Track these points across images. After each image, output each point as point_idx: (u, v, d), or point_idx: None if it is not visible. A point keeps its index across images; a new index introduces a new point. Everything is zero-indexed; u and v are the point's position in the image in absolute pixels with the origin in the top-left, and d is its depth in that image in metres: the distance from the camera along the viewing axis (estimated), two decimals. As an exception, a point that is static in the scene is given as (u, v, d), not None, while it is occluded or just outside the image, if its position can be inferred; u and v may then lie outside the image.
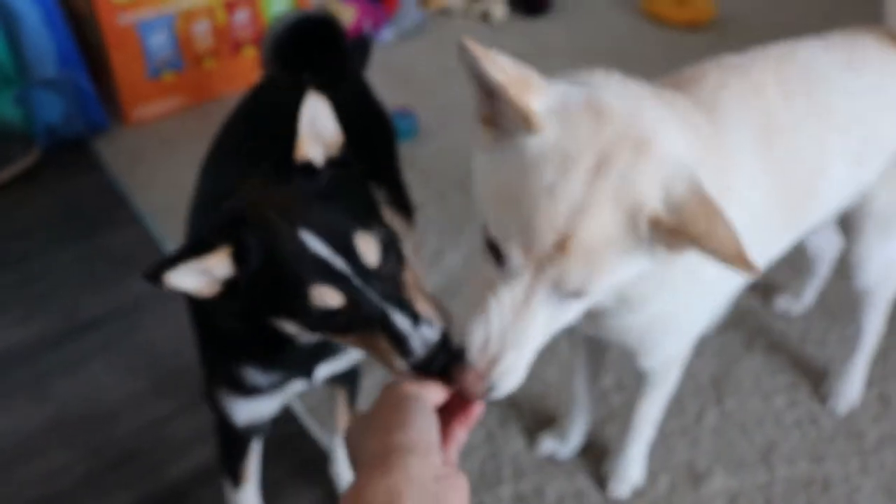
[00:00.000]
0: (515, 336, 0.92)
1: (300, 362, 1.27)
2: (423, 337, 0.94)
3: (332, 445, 1.72)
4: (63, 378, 2.01)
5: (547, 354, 1.98)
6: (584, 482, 1.75)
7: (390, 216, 1.62)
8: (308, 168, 1.00)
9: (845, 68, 1.34)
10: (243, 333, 1.18)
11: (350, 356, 1.35)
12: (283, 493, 1.71)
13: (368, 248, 0.95)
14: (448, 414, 0.89)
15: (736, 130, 1.18)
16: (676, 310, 1.25)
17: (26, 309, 2.19)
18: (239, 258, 0.95)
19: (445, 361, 0.93)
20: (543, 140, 0.90)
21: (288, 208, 0.96)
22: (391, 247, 0.99)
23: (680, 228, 0.86)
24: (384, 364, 0.98)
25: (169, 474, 1.78)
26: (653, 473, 1.75)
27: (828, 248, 2.00)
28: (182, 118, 2.93)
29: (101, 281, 2.27)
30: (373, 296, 0.94)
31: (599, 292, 0.95)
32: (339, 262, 0.93)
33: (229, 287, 0.97)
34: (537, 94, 0.92)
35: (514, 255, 0.90)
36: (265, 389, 1.28)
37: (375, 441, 0.75)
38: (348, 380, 1.55)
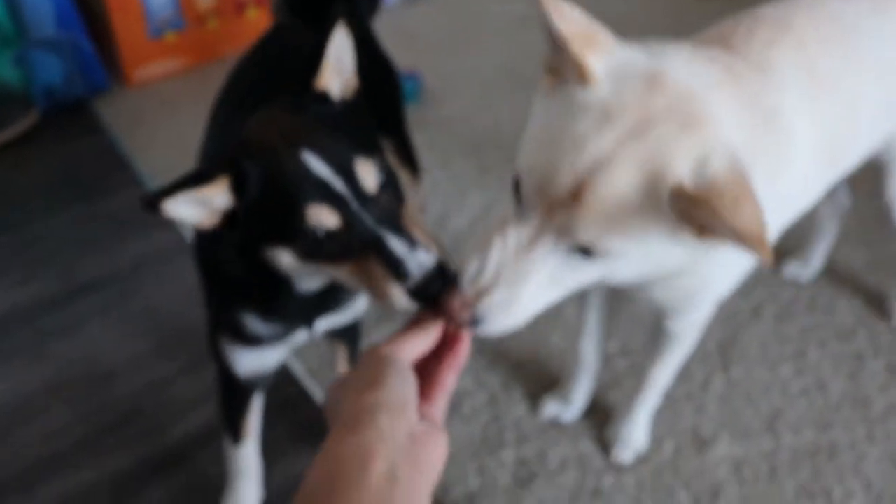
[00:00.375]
0: (512, 275, 0.92)
1: (301, 313, 1.26)
2: (418, 261, 0.93)
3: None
4: (62, 340, 1.99)
5: (552, 319, 1.98)
6: (587, 447, 1.73)
7: (395, 164, 1.61)
8: (323, 99, 1.01)
9: (872, 13, 1.34)
10: (245, 279, 1.16)
11: (351, 310, 1.34)
12: (284, 456, 1.69)
13: (368, 175, 0.96)
14: (437, 363, 0.88)
15: (788, 91, 1.17)
16: (714, 277, 1.25)
17: (25, 271, 2.18)
18: (238, 188, 0.95)
19: (440, 288, 0.92)
20: (592, 94, 0.90)
21: (294, 130, 0.96)
22: (390, 180, 0.99)
23: (702, 199, 0.83)
24: (380, 297, 0.97)
25: (168, 436, 1.77)
26: (657, 439, 1.74)
27: (836, 207, 1.99)
28: (184, 79, 2.90)
29: (100, 243, 2.26)
30: (368, 219, 0.94)
31: (612, 259, 0.92)
32: (338, 184, 0.93)
33: (229, 218, 0.97)
34: (600, 51, 0.92)
35: (530, 192, 0.91)
36: (266, 339, 1.27)
37: (348, 402, 0.74)
38: (349, 336, 1.53)
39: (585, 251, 0.90)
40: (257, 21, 2.93)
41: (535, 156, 0.93)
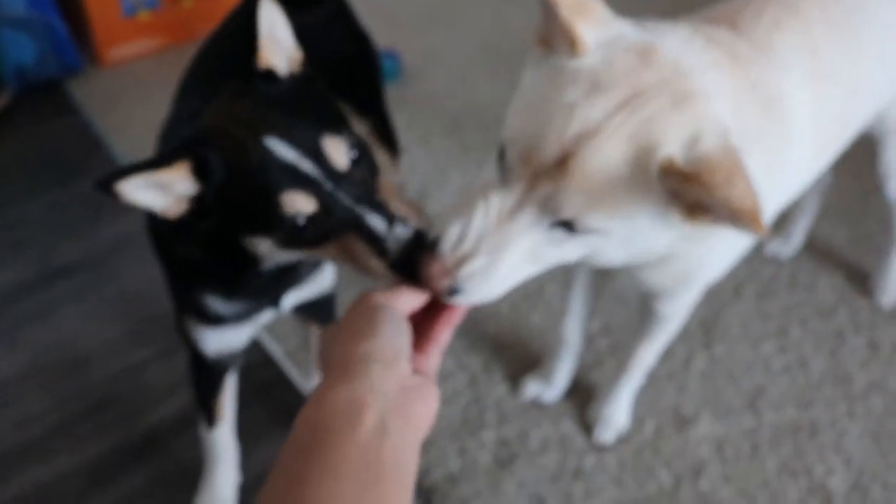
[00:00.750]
0: (492, 243, 0.89)
1: (265, 290, 1.24)
2: (398, 235, 0.92)
3: (311, 389, 1.68)
4: (37, 325, 1.97)
5: (533, 299, 1.97)
6: (569, 427, 1.73)
7: (374, 144, 1.58)
8: (271, 77, 0.98)
9: None
10: (202, 261, 1.15)
11: (317, 283, 1.32)
12: (262, 439, 1.67)
13: (337, 152, 0.93)
14: (432, 317, 0.86)
15: (790, 75, 1.16)
16: (707, 262, 1.24)
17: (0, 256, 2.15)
18: (201, 174, 0.92)
19: (423, 254, 0.90)
20: (582, 63, 0.89)
21: (251, 117, 0.93)
22: (361, 153, 0.96)
23: (694, 175, 0.81)
24: (363, 271, 0.96)
25: (144, 422, 1.75)
26: (639, 418, 1.73)
27: (818, 184, 1.98)
28: (159, 59, 2.86)
29: (76, 226, 2.22)
30: (345, 198, 0.92)
31: (596, 237, 0.90)
32: (307, 166, 0.91)
33: (198, 206, 0.95)
34: (591, 20, 0.91)
35: (515, 161, 0.88)
36: (231, 319, 1.25)
37: (341, 349, 0.73)
38: (322, 315, 1.51)
39: (569, 226, 0.88)
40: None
41: (521, 124, 0.90)
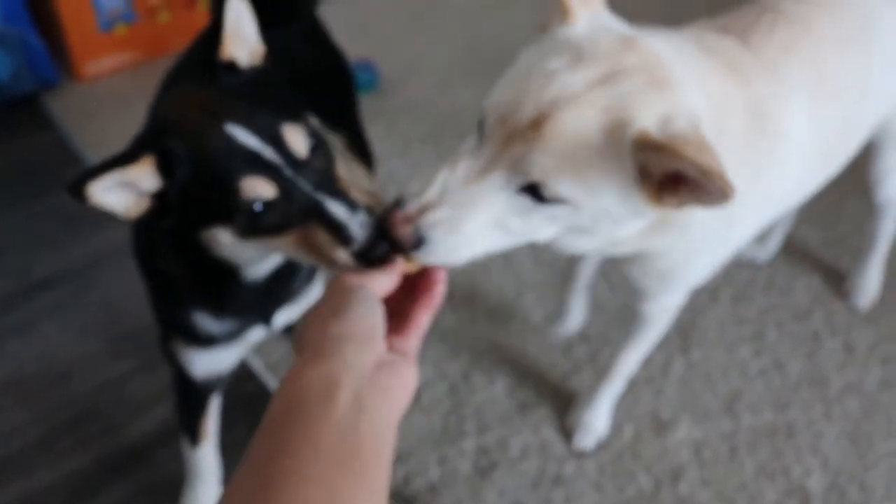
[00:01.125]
0: (458, 197, 0.90)
1: (254, 306, 1.23)
2: (360, 223, 0.92)
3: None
4: (17, 339, 1.96)
5: (511, 305, 1.98)
6: (548, 434, 1.74)
7: (350, 157, 1.59)
8: (232, 69, 1.00)
9: (889, 3, 1.39)
10: (189, 274, 1.14)
11: (308, 301, 1.32)
12: (243, 453, 1.67)
13: (297, 139, 0.94)
14: (412, 301, 0.87)
15: (793, 96, 1.19)
16: (693, 260, 1.27)
17: (-22, 271, 2.13)
18: (165, 168, 0.93)
19: (387, 248, 0.90)
20: (569, 35, 0.94)
21: (212, 105, 0.94)
22: (320, 144, 0.98)
23: (667, 145, 0.83)
24: (326, 263, 0.96)
25: (127, 435, 1.74)
26: (617, 423, 1.74)
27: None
28: (136, 73, 2.85)
29: (54, 240, 2.21)
30: (304, 185, 0.93)
31: (562, 210, 0.91)
32: (268, 152, 0.92)
33: (160, 202, 0.95)
34: (589, 5, 0.97)
35: (492, 124, 0.91)
36: (221, 338, 1.24)
37: (315, 330, 0.74)
38: None
39: (536, 195, 0.89)
40: (208, 14, 2.88)
41: (504, 91, 0.93)
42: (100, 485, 1.66)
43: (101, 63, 2.81)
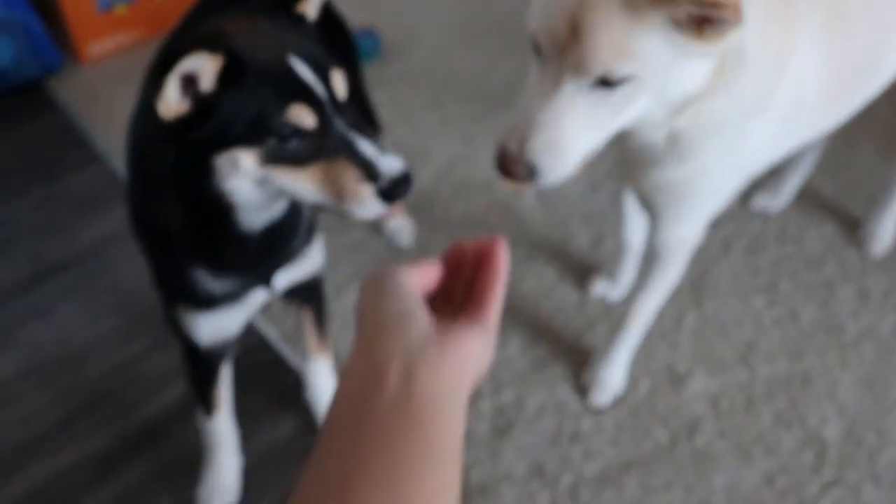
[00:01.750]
0: (548, 117, 1.01)
1: (253, 264, 1.23)
2: (388, 163, 1.00)
3: (306, 372, 1.69)
4: (34, 323, 1.97)
5: (526, 265, 1.97)
6: (564, 392, 1.74)
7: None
8: (300, 20, 1.09)
9: None
10: (184, 225, 1.15)
11: (307, 262, 1.32)
12: (260, 423, 1.69)
13: (340, 84, 1.03)
14: (482, 274, 0.83)
15: (806, 17, 1.21)
16: (716, 167, 1.28)
17: (-9, 257, 2.15)
18: (225, 74, 0.96)
19: (406, 191, 1.02)
20: None
21: (279, 37, 1.02)
22: (352, 95, 1.06)
23: None
24: (343, 197, 1.01)
25: (145, 412, 1.76)
26: (633, 378, 1.75)
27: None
28: (138, 53, 2.83)
29: (65, 223, 2.23)
30: (341, 124, 1.00)
31: (633, 86, 0.99)
32: (319, 88, 0.99)
33: (197, 109, 0.97)
34: None
35: (546, 45, 1.01)
36: (222, 298, 1.25)
37: (359, 323, 0.73)
38: (312, 297, 1.52)
39: (606, 83, 0.99)
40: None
41: (540, 13, 1.02)
42: (122, 462, 1.68)
43: (102, 44, 2.81)
